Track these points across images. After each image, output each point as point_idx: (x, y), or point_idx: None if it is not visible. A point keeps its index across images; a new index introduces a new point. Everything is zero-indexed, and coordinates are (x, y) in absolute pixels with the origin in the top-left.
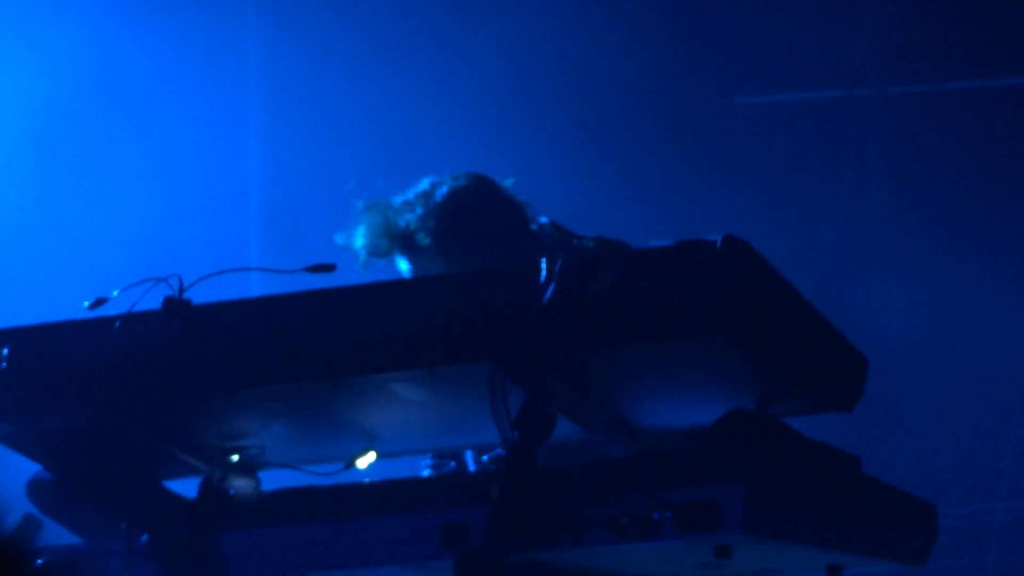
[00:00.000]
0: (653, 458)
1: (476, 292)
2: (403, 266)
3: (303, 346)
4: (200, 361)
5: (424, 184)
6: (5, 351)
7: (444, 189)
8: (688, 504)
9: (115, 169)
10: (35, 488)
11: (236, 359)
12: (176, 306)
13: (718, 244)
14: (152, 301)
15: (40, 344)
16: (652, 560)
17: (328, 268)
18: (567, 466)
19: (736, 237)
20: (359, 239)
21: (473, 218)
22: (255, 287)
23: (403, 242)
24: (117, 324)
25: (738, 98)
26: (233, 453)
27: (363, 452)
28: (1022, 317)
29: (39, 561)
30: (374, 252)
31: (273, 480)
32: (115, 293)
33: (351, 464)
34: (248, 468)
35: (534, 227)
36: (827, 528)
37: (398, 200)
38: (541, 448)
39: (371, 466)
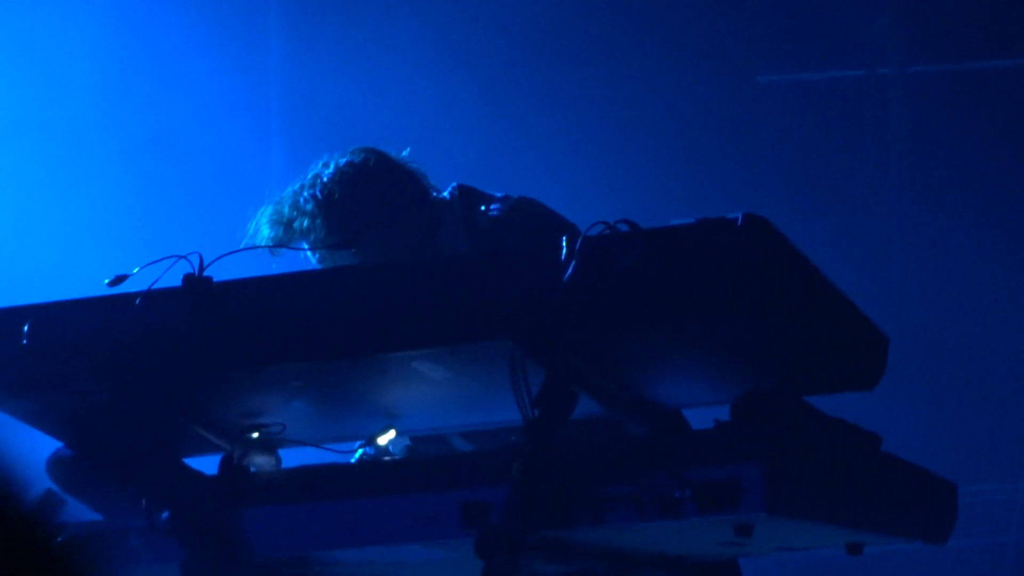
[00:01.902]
0: (674, 436)
1: (497, 270)
2: (307, 254)
3: (324, 324)
4: (221, 338)
5: (316, 165)
6: (26, 328)
7: (331, 168)
8: (709, 483)
9: (139, 146)
10: (55, 465)
11: (257, 337)
12: (197, 283)
13: (739, 222)
14: (173, 278)
15: (61, 321)
16: (672, 538)
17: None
18: (588, 444)
19: (756, 215)
20: (260, 232)
21: (362, 194)
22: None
23: (297, 230)
24: (138, 301)
25: (760, 77)
26: (253, 431)
27: (383, 430)
28: None
29: (60, 538)
30: (276, 243)
31: (293, 458)
32: (136, 270)
33: (371, 442)
34: (268, 446)
35: (444, 195)
36: (847, 506)
37: (290, 189)
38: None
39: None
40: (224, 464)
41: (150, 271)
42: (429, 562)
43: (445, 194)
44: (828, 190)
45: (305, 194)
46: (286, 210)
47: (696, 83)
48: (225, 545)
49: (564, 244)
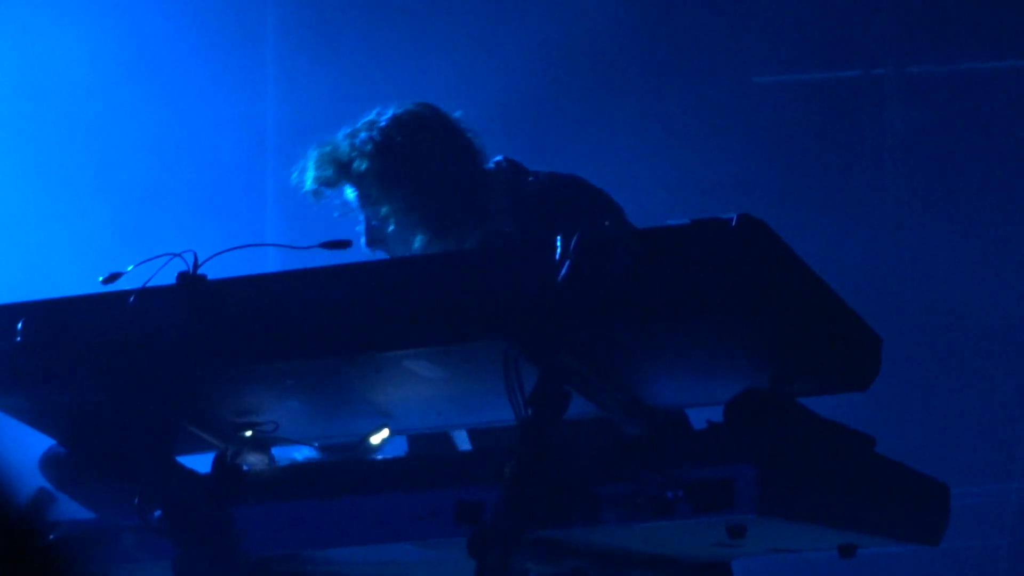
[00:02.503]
0: (667, 437)
1: (491, 270)
2: (350, 198)
3: (318, 322)
4: (214, 337)
5: (369, 114)
6: (19, 326)
7: (388, 114)
8: (702, 483)
9: (132, 146)
10: (48, 463)
11: (251, 335)
12: (191, 281)
13: (733, 223)
14: (167, 276)
15: (54, 319)
16: (665, 539)
17: (344, 245)
18: (581, 444)
19: (751, 216)
20: (308, 170)
21: (412, 144)
22: (271, 263)
23: (346, 169)
24: (132, 299)
25: (756, 77)
26: (247, 429)
27: (377, 429)
28: None
29: (52, 536)
30: (321, 182)
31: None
32: (130, 268)
33: (365, 441)
34: (262, 444)
35: (490, 165)
36: (840, 508)
37: (346, 130)
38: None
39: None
40: (217, 462)
41: (144, 269)
42: (423, 561)
43: (491, 164)
44: (823, 191)
45: (362, 135)
46: (343, 150)
47: (691, 83)
48: (218, 543)
49: (559, 243)
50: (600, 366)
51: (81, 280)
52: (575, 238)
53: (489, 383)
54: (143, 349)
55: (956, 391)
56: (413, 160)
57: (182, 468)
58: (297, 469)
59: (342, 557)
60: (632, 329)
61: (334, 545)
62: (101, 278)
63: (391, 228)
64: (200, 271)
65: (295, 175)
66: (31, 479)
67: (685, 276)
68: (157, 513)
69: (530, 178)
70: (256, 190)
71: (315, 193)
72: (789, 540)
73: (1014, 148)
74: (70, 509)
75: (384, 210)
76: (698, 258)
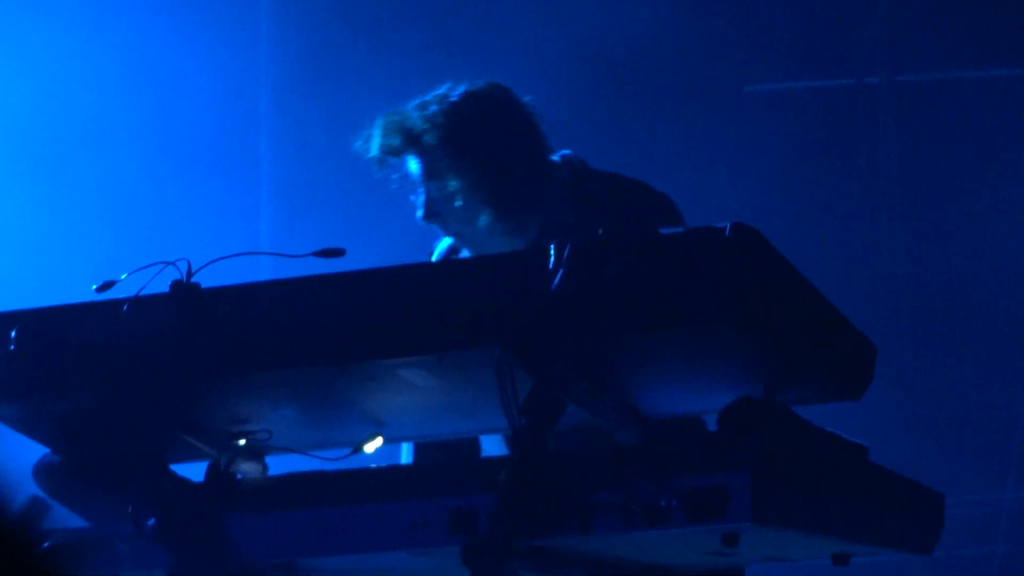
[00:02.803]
0: (661, 445)
1: (485, 278)
2: (413, 170)
3: (312, 330)
4: (208, 345)
5: (439, 89)
6: (12, 334)
7: (460, 90)
8: (695, 491)
9: (126, 153)
10: (42, 471)
11: (244, 343)
12: (185, 289)
13: (727, 231)
14: (161, 285)
15: (48, 327)
16: (659, 547)
17: (338, 253)
18: (575, 453)
19: (745, 224)
20: (375, 137)
21: (485, 121)
22: (264, 271)
23: (415, 139)
24: (125, 307)
25: (748, 87)
26: (240, 437)
27: (370, 437)
28: None
29: (46, 544)
30: (387, 151)
31: (280, 465)
32: (123, 276)
33: (358, 449)
34: (255, 452)
35: (554, 157)
36: (834, 516)
37: (416, 102)
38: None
39: (377, 451)
40: (211, 471)
41: (138, 277)
42: (417, 569)
43: (556, 156)
44: (817, 199)
45: (434, 108)
46: (412, 120)
47: (684, 92)
48: (211, 552)
49: (552, 251)
50: (594, 374)
51: (75, 288)
52: (568, 246)
53: (483, 391)
54: (137, 357)
55: (950, 400)
56: (484, 137)
57: (176, 476)
58: (291, 478)
59: (336, 565)
60: (626, 337)
61: (328, 553)
62: (95, 286)
63: (457, 203)
64: (194, 279)
65: (360, 142)
66: (25, 487)
67: (679, 285)
68: (151, 521)
69: (594, 175)
70: (250, 198)
71: (379, 161)
72: (783, 548)
73: (1006, 156)
74: (64, 517)
75: (452, 185)
76: (692, 267)
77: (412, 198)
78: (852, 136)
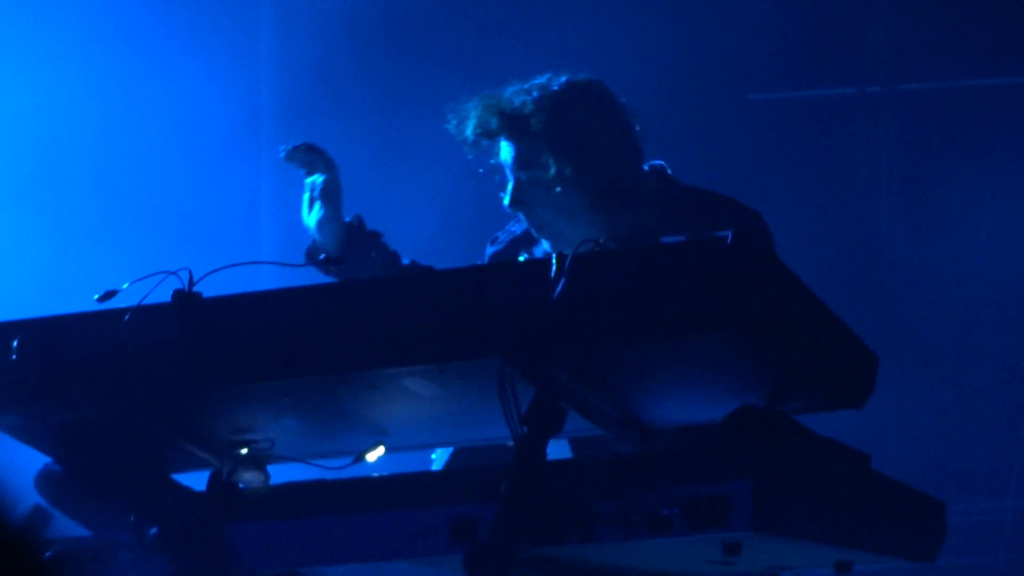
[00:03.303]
0: (662, 454)
1: (486, 287)
2: (505, 154)
3: (313, 340)
4: (210, 354)
5: (542, 77)
6: (15, 343)
7: (564, 79)
8: (697, 500)
9: (127, 163)
10: (44, 480)
11: (246, 352)
12: (186, 299)
13: (728, 240)
14: (163, 294)
15: (50, 336)
16: (661, 556)
17: (339, 262)
18: (576, 461)
19: (747, 233)
20: (471, 118)
21: (590, 112)
22: (266, 281)
23: (514, 122)
24: (127, 317)
25: (750, 95)
26: (242, 446)
27: (372, 446)
28: None
29: (48, 554)
30: (483, 131)
31: (282, 474)
32: (125, 286)
33: (360, 458)
34: (257, 462)
35: (644, 167)
36: (836, 525)
37: (515, 87)
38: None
39: (380, 460)
40: (213, 480)
41: (140, 287)
42: None
43: (645, 166)
44: (818, 208)
45: (535, 94)
46: (514, 104)
47: (686, 100)
48: (213, 561)
49: (554, 261)
50: (595, 383)
51: (76, 298)
52: (570, 256)
53: (485, 400)
54: (139, 367)
55: (952, 408)
56: (589, 127)
57: (178, 486)
58: (293, 487)
59: (338, 575)
60: (627, 347)
61: (330, 563)
62: (96, 296)
63: (552, 192)
64: (196, 289)
65: (453, 122)
66: (27, 496)
67: (681, 293)
68: (153, 531)
69: (681, 187)
70: (251, 208)
71: (473, 143)
72: (785, 557)
73: (1008, 165)
74: (66, 527)
75: (550, 172)
76: (694, 275)
77: (498, 179)
78: (853, 144)
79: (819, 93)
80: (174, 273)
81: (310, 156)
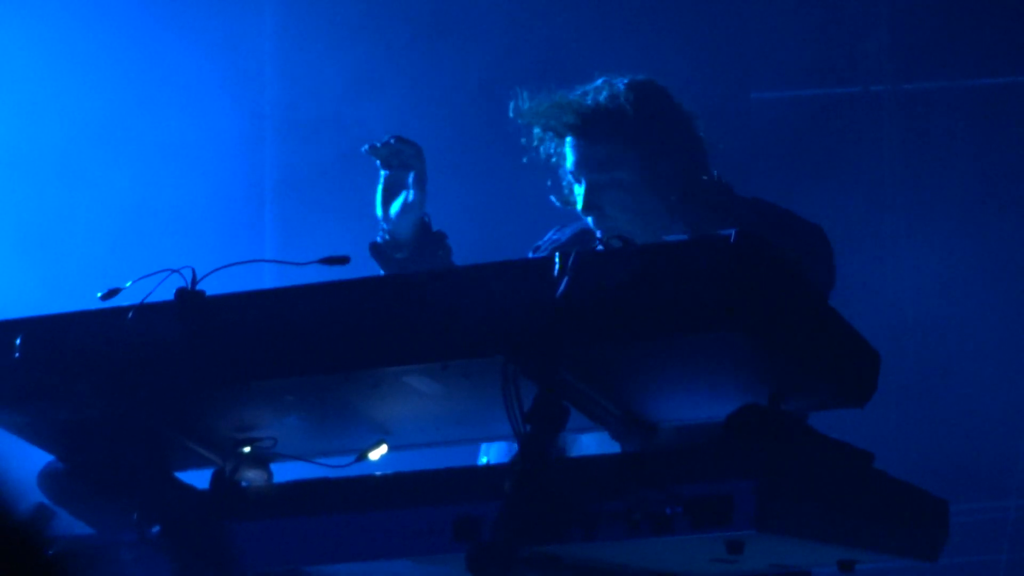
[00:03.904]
0: (665, 453)
1: (489, 286)
2: (579, 156)
3: (316, 338)
4: (213, 352)
5: (595, 81)
6: (18, 341)
7: (627, 80)
8: (700, 499)
9: (130, 160)
10: (47, 478)
11: (249, 351)
12: (189, 297)
13: (732, 239)
14: (166, 292)
15: (53, 334)
16: (664, 555)
17: (342, 261)
18: (579, 460)
19: (750, 232)
20: (541, 116)
21: (667, 113)
22: (268, 279)
23: (594, 123)
24: (130, 315)
25: (755, 94)
26: (245, 445)
27: (375, 445)
28: None
29: (51, 551)
30: (555, 130)
31: (285, 472)
32: (128, 284)
33: (363, 457)
34: (260, 460)
35: (704, 176)
36: (839, 524)
37: (586, 87)
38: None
39: (383, 459)
40: (215, 478)
41: (142, 285)
42: None
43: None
44: (821, 207)
45: (609, 95)
46: (589, 104)
47: (690, 99)
48: (216, 560)
49: (557, 259)
50: (598, 382)
51: (79, 296)
52: (573, 255)
53: (488, 399)
54: (142, 365)
55: (954, 407)
56: (666, 129)
57: (180, 484)
58: (295, 485)
59: (340, 573)
60: (631, 345)
61: (332, 561)
62: (99, 294)
63: (628, 195)
64: (198, 287)
65: (523, 117)
66: (30, 494)
67: (684, 292)
68: (155, 529)
69: (741, 198)
70: (255, 206)
71: (539, 139)
72: (788, 556)
73: (1012, 164)
74: (69, 524)
75: (629, 174)
76: (697, 274)
77: (563, 182)
78: (857, 144)
79: (823, 92)
80: (177, 271)
81: (400, 146)
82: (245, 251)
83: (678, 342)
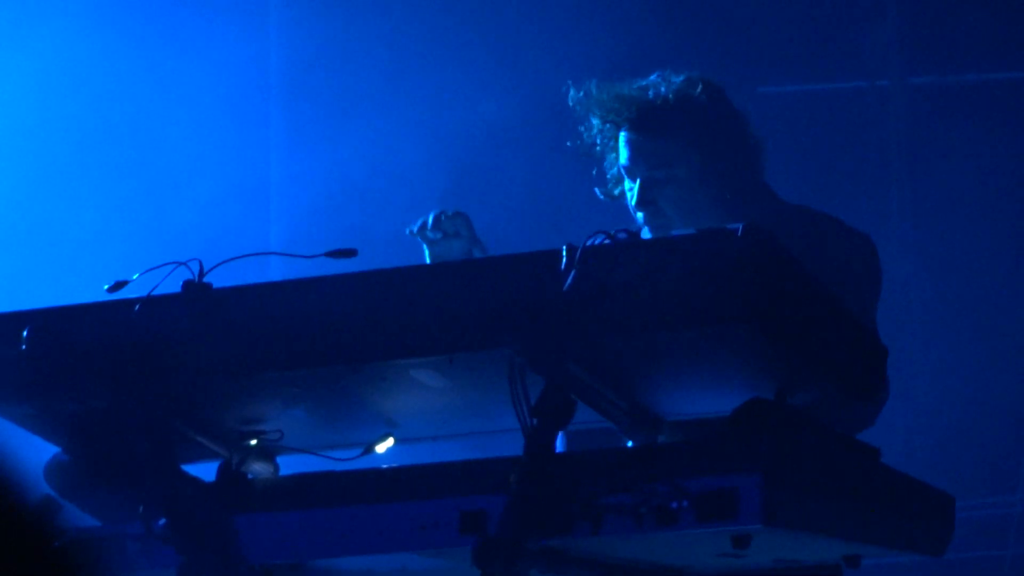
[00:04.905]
0: (672, 446)
1: (497, 278)
2: (636, 150)
3: (323, 331)
4: (220, 345)
5: (650, 77)
6: (25, 333)
7: (683, 77)
8: (706, 493)
9: (136, 153)
10: (53, 471)
11: (256, 343)
12: (196, 290)
13: (739, 233)
14: (173, 285)
15: (60, 327)
16: (670, 549)
17: (349, 253)
18: (586, 453)
19: (757, 226)
20: (602, 104)
21: (724, 111)
22: (275, 272)
23: (657, 117)
24: (137, 307)
25: (761, 88)
26: (251, 437)
27: (382, 438)
28: None
29: (57, 543)
30: (612, 118)
31: (291, 465)
32: (135, 276)
33: (369, 450)
34: (266, 453)
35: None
36: (845, 518)
37: (644, 82)
38: None
39: (389, 451)
40: (222, 471)
41: (149, 277)
42: (427, 570)
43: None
44: (828, 201)
45: (667, 89)
46: (656, 98)
47: None
48: (222, 552)
49: (564, 253)
50: (605, 375)
51: (86, 288)
52: (580, 247)
53: (494, 392)
54: (148, 357)
55: (961, 402)
56: (725, 126)
57: (187, 476)
58: (301, 478)
59: (346, 566)
60: (637, 339)
61: (338, 554)
62: (106, 286)
63: (685, 192)
64: (205, 279)
65: (578, 101)
66: (37, 486)
67: (691, 286)
68: (162, 521)
69: (789, 205)
70: (260, 199)
71: (599, 130)
72: (794, 550)
73: (1018, 159)
74: (75, 516)
75: (692, 170)
76: (704, 268)
77: (607, 172)
78: (864, 138)
79: (829, 87)
80: (184, 264)
81: (446, 222)
82: (251, 244)
83: (685, 336)
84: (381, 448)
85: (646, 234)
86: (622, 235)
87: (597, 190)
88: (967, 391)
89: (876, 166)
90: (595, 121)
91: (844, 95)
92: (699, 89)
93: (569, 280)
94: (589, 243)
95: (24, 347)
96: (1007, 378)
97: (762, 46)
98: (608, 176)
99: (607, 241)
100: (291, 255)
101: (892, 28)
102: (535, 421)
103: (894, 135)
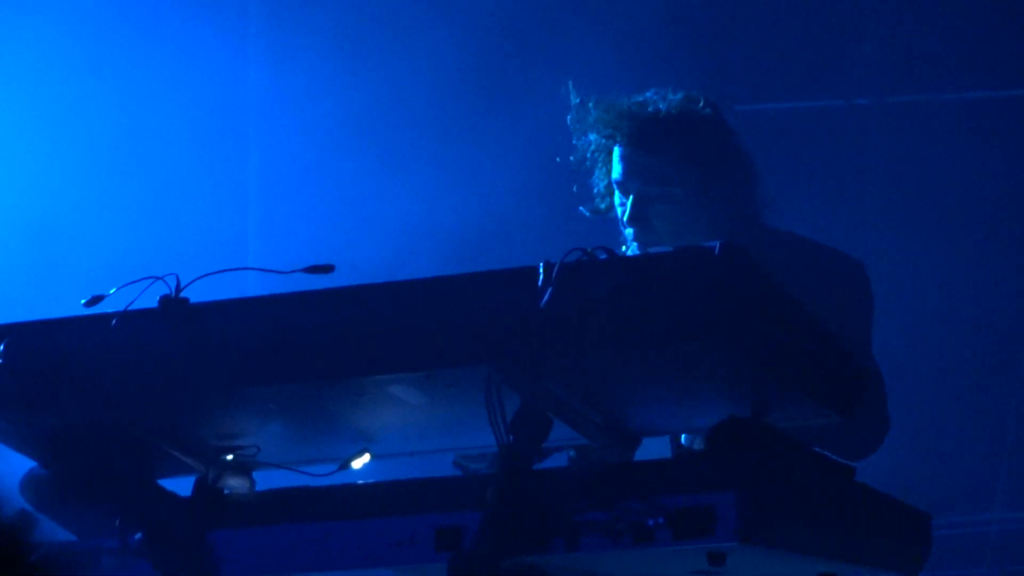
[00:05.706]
0: (648, 463)
1: (473, 295)
2: (629, 166)
3: (300, 347)
4: (197, 360)
5: (647, 93)
6: (1, 347)
7: (677, 96)
8: (682, 510)
9: (112, 167)
10: (29, 485)
11: (233, 358)
12: (173, 304)
13: (716, 251)
14: (149, 300)
15: (36, 341)
16: (646, 566)
17: (326, 269)
18: (562, 470)
19: (734, 244)
20: (601, 119)
21: (721, 129)
22: (252, 287)
23: (654, 133)
24: (114, 322)
25: (739, 106)
26: (228, 452)
27: (358, 453)
28: (1020, 325)
29: (32, 558)
30: (610, 133)
31: (267, 481)
32: (112, 291)
33: (346, 465)
34: (243, 468)
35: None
36: (821, 536)
37: (641, 97)
38: None
39: (365, 467)
40: (198, 486)
41: (126, 292)
42: None
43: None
44: (806, 220)
45: (666, 107)
46: (648, 112)
47: None
48: (198, 567)
49: (541, 269)
50: (582, 392)
51: (63, 302)
52: (557, 264)
53: (471, 408)
54: (125, 372)
55: (937, 420)
56: (722, 145)
57: (163, 491)
58: (277, 494)
59: None
60: (614, 355)
61: (314, 570)
62: (83, 301)
63: (679, 209)
64: (182, 295)
65: (577, 115)
66: (12, 501)
67: (668, 304)
68: (138, 536)
69: (779, 231)
70: (238, 214)
71: (597, 145)
72: (770, 568)
73: (997, 177)
74: (51, 531)
75: (686, 188)
76: (681, 286)
77: (598, 187)
78: (842, 157)
79: (807, 105)
80: (161, 279)
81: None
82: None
83: (661, 353)
84: (357, 464)
85: (634, 250)
86: (599, 252)
87: (582, 208)
88: (944, 409)
89: (854, 185)
90: (591, 136)
91: (823, 113)
92: (700, 105)
93: (546, 297)
94: (566, 260)
95: (0, 361)
96: (983, 396)
97: (740, 65)
98: (594, 192)
99: (584, 258)
100: (268, 271)
101: (871, 47)
102: (511, 437)
103: (873, 154)
